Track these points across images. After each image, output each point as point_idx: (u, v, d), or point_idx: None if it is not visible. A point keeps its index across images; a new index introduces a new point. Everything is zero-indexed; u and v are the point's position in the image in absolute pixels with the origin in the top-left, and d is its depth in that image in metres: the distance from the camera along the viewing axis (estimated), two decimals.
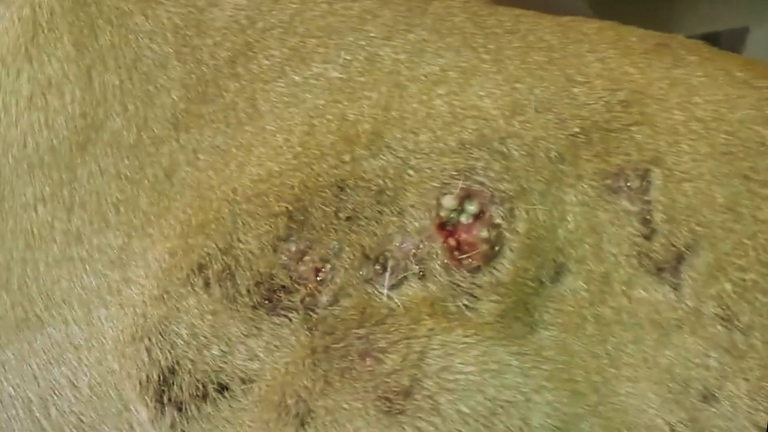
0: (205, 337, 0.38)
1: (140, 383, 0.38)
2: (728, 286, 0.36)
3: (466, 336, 0.37)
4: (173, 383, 0.38)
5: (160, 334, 0.38)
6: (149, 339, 0.38)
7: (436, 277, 0.37)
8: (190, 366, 0.38)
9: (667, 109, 0.38)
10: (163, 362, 0.38)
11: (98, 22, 0.39)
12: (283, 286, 0.39)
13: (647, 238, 0.37)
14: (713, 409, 0.35)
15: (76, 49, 0.39)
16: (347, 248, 0.38)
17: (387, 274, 0.38)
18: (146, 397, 0.38)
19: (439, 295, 0.37)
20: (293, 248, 0.39)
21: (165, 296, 0.38)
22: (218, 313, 0.38)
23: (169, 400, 0.38)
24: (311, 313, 0.38)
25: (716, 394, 0.35)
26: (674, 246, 0.36)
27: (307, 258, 0.38)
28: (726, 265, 0.36)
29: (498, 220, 0.37)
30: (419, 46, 0.39)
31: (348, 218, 0.38)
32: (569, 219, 0.38)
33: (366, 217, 0.38)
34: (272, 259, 0.38)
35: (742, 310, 0.35)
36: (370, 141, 0.38)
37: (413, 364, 0.36)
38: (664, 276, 0.36)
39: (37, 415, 0.40)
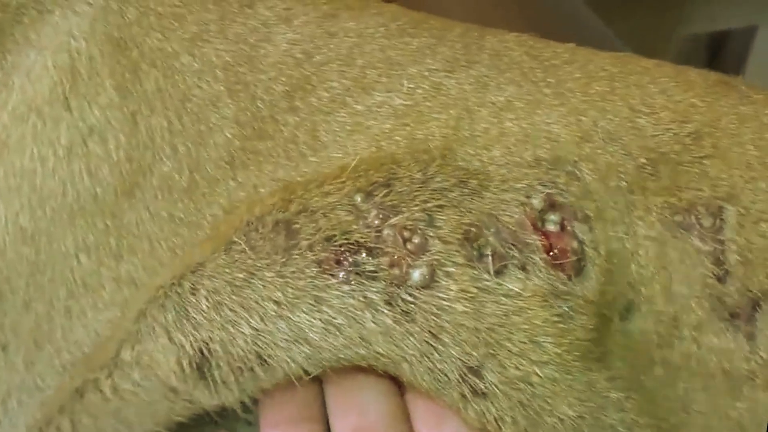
0: (231, 309, 0.33)
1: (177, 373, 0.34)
2: None
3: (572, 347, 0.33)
4: (210, 368, 0.34)
5: (176, 309, 0.34)
6: (165, 318, 0.34)
7: (538, 272, 0.33)
8: (220, 350, 0.33)
9: (740, 144, 0.37)
10: (189, 347, 0.33)
11: (142, 66, 0.37)
12: (362, 245, 0.33)
13: (720, 280, 0.34)
14: None
15: (120, 94, 0.37)
16: (442, 218, 0.33)
17: (489, 257, 0.33)
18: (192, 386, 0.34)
19: (547, 292, 0.33)
20: (374, 213, 0.33)
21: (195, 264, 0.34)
22: (255, 275, 0.33)
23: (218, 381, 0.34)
24: (401, 292, 0.32)
25: None
26: (750, 291, 0.34)
27: (394, 220, 0.33)
28: None
29: (581, 236, 0.34)
30: (482, 81, 0.38)
31: (438, 190, 0.34)
32: (641, 253, 0.35)
33: (455, 197, 0.34)
34: (347, 217, 0.33)
35: None
36: (442, 154, 0.36)
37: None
38: (737, 323, 0.34)
39: None
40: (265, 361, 0.33)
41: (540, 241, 0.34)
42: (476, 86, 0.37)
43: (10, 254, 0.37)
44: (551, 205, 0.35)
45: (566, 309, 0.33)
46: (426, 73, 0.38)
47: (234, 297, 0.33)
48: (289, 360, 0.33)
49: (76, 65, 0.37)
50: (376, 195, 0.34)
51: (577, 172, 0.35)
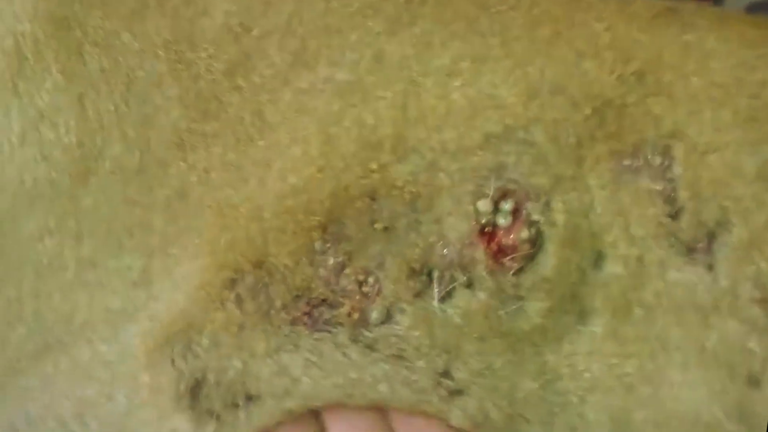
0: (227, 348, 0.36)
1: (173, 395, 0.37)
2: (765, 266, 0.34)
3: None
4: (204, 394, 0.37)
5: (183, 344, 0.37)
6: (173, 349, 0.37)
7: (482, 284, 0.36)
8: (213, 378, 0.36)
9: (684, 76, 0.37)
10: (188, 373, 0.36)
11: (85, 46, 0.37)
12: (324, 300, 0.36)
13: (673, 217, 0.35)
14: (759, 395, 0.33)
15: (65, 77, 0.36)
16: (390, 260, 0.36)
17: (435, 285, 0.36)
18: (182, 408, 0.37)
19: (490, 303, 0.35)
20: (331, 261, 0.36)
21: (193, 309, 0.37)
22: (245, 327, 0.36)
23: (205, 409, 0.37)
24: (364, 331, 0.36)
25: (760, 380, 0.33)
26: (703, 224, 0.34)
27: (348, 270, 0.36)
28: (761, 242, 0.34)
29: (535, 217, 0.36)
30: (425, 39, 0.37)
31: (385, 228, 0.36)
32: (596, 203, 0.36)
33: (404, 227, 0.36)
34: (309, 272, 0.36)
35: None
36: (394, 146, 0.36)
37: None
38: (695, 256, 0.35)
39: (74, 428, 0.39)
40: (252, 396, 0.37)
41: (486, 249, 0.35)
42: (419, 48, 0.37)
43: None
44: (503, 195, 0.36)
45: (515, 308, 0.36)
46: (367, 40, 0.37)
47: (230, 340, 0.37)
48: (273, 394, 0.37)
49: (21, 49, 0.37)
50: (331, 241, 0.36)
51: (529, 137, 0.36)
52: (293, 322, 0.36)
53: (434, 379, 0.36)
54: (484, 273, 0.35)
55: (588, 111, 0.36)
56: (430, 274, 0.36)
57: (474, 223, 0.35)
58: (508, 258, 0.35)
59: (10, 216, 0.37)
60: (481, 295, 0.35)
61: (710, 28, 0.38)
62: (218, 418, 0.36)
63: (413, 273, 0.36)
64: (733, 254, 0.34)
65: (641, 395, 0.35)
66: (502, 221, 0.35)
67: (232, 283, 0.37)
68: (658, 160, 0.35)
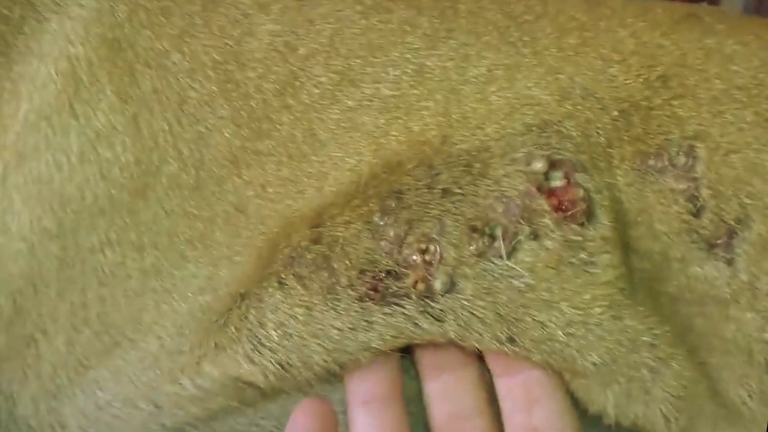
0: (300, 336, 0.37)
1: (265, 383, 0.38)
2: None
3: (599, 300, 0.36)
4: (291, 374, 0.38)
5: (250, 340, 0.38)
6: (243, 347, 0.38)
7: (549, 234, 0.36)
8: (299, 363, 0.37)
9: (707, 79, 0.38)
10: (271, 366, 0.38)
11: (137, 66, 0.38)
12: (389, 272, 0.37)
13: (695, 215, 0.37)
14: None
15: (119, 98, 0.38)
16: (450, 222, 0.36)
17: (500, 241, 0.36)
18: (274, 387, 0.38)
19: (561, 251, 0.36)
20: (391, 232, 0.37)
21: (254, 296, 0.38)
22: (314, 307, 0.37)
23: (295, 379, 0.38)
24: (430, 302, 0.36)
25: None
26: (724, 221, 0.36)
27: (410, 239, 0.36)
28: None
29: (586, 184, 0.37)
30: (462, 53, 0.39)
31: (443, 191, 0.37)
32: (624, 199, 0.38)
33: (461, 189, 0.37)
34: (371, 245, 0.37)
35: None
36: (441, 142, 0.38)
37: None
38: (716, 252, 0.37)
39: (143, 406, 0.41)
40: (341, 365, 0.37)
41: (547, 202, 0.36)
42: (457, 60, 0.38)
43: (38, 252, 0.40)
44: (552, 164, 0.37)
45: (585, 256, 0.36)
46: (408, 56, 0.39)
47: (301, 327, 0.37)
48: (360, 359, 0.37)
49: (76, 71, 0.39)
50: (390, 212, 0.37)
51: (564, 130, 0.37)
52: (361, 298, 0.36)
53: (500, 344, 0.36)
54: (550, 222, 0.36)
55: (615, 113, 0.38)
56: (492, 235, 0.36)
57: (531, 180, 0.36)
58: (570, 212, 0.36)
59: (71, 231, 0.39)
60: (550, 244, 0.36)
61: (730, 32, 0.39)
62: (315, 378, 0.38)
63: (474, 231, 0.36)
64: (752, 249, 0.36)
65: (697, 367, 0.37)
66: (557, 182, 0.36)
67: (290, 259, 0.37)
68: (682, 160, 0.37)
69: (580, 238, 0.36)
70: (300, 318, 0.37)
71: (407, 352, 0.38)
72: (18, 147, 0.39)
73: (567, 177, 0.36)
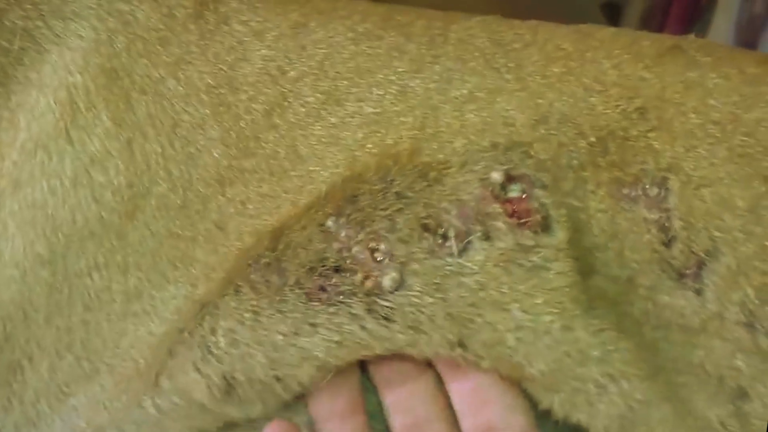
0: (246, 344, 0.40)
1: (209, 397, 0.42)
2: (750, 292, 0.40)
3: (550, 306, 0.38)
4: (236, 391, 0.41)
5: (200, 347, 0.41)
6: (194, 354, 0.41)
7: (501, 237, 0.39)
8: (243, 378, 0.40)
9: (683, 113, 0.44)
10: (216, 378, 0.40)
11: (132, 93, 0.44)
12: (337, 269, 0.39)
13: (666, 245, 0.39)
14: (748, 407, 0.36)
15: (115, 124, 0.45)
16: (401, 221, 0.40)
17: (452, 240, 0.38)
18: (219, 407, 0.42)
19: (512, 252, 0.38)
20: (343, 233, 0.40)
21: (212, 305, 0.41)
22: (261, 312, 0.39)
23: (240, 400, 0.41)
24: (378, 300, 0.38)
25: (749, 393, 0.37)
26: (694, 252, 0.39)
27: (360, 236, 0.39)
28: (748, 270, 0.39)
29: (543, 200, 0.40)
30: (446, 76, 0.45)
31: (396, 194, 0.40)
32: (593, 223, 0.41)
33: (415, 193, 0.40)
34: (322, 246, 0.39)
35: (765, 315, 0.37)
36: (410, 156, 0.42)
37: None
38: (685, 281, 0.41)
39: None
40: (282, 380, 0.40)
41: (501, 207, 0.39)
42: (440, 83, 0.45)
43: (30, 278, 0.45)
44: (511, 178, 0.41)
45: (537, 260, 0.38)
46: (393, 78, 0.46)
47: (247, 334, 0.40)
48: (303, 374, 0.40)
49: (74, 99, 0.45)
50: (344, 215, 0.41)
51: (531, 152, 0.43)
52: (308, 297, 0.38)
53: (450, 348, 0.38)
54: (503, 225, 0.38)
55: (593, 139, 0.43)
56: (444, 235, 0.39)
57: (487, 186, 0.39)
58: (523, 220, 0.39)
59: (62, 255, 0.46)
60: (502, 245, 0.38)
61: (713, 65, 0.45)
62: (260, 399, 0.41)
63: (426, 230, 0.39)
64: (721, 281, 0.41)
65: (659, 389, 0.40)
66: (514, 194, 0.40)
67: (247, 267, 0.41)
68: (655, 191, 0.41)
69: (532, 243, 0.39)
70: (247, 323, 0.41)
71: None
72: (14, 175, 0.43)
73: (524, 192, 0.41)
